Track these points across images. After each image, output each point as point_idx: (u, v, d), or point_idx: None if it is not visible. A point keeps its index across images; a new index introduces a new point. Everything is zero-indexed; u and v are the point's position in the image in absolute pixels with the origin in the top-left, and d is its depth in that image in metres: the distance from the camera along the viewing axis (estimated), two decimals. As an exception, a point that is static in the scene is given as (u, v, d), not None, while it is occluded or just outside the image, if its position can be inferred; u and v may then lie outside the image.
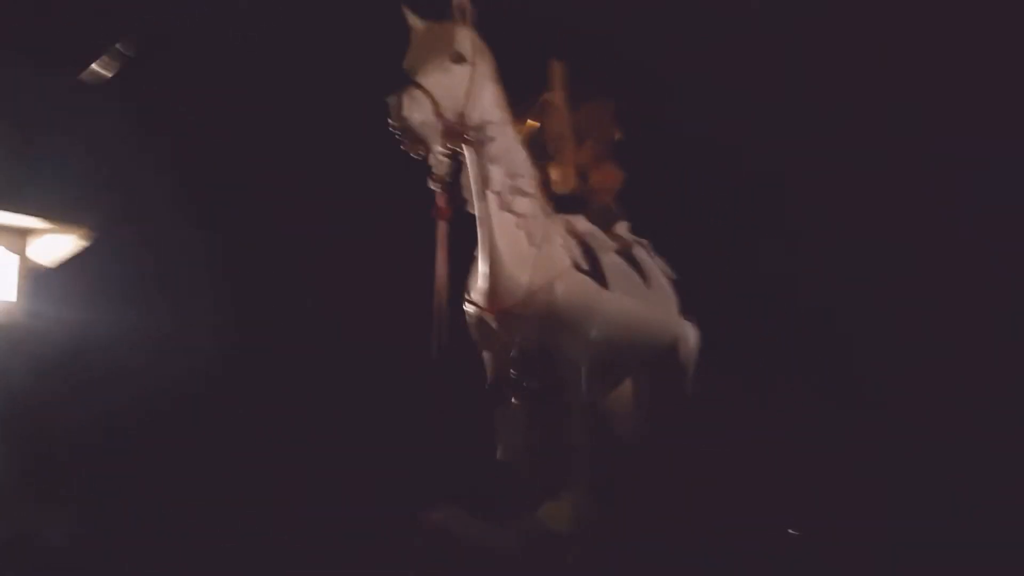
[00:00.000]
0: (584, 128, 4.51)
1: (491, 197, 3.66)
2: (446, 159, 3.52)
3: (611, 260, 4.06)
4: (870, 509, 4.43)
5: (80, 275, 4.18)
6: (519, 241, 3.72)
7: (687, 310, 4.64)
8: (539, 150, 4.43)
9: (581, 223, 4.07)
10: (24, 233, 3.78)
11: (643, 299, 4.20)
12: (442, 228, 3.43)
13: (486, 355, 3.86)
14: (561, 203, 4.33)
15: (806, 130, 4.92)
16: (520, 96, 4.50)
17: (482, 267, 3.74)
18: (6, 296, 3.69)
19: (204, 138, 5.02)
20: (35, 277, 3.86)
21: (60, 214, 3.82)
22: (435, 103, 3.37)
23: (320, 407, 4.96)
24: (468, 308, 3.84)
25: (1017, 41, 4.72)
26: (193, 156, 5.06)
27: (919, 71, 4.91)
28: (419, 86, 3.37)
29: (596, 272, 3.93)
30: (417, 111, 3.33)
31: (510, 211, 3.70)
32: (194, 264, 5.06)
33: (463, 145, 3.64)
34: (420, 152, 3.46)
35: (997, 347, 4.87)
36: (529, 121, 4.44)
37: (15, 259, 3.71)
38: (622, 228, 4.45)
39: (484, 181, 3.66)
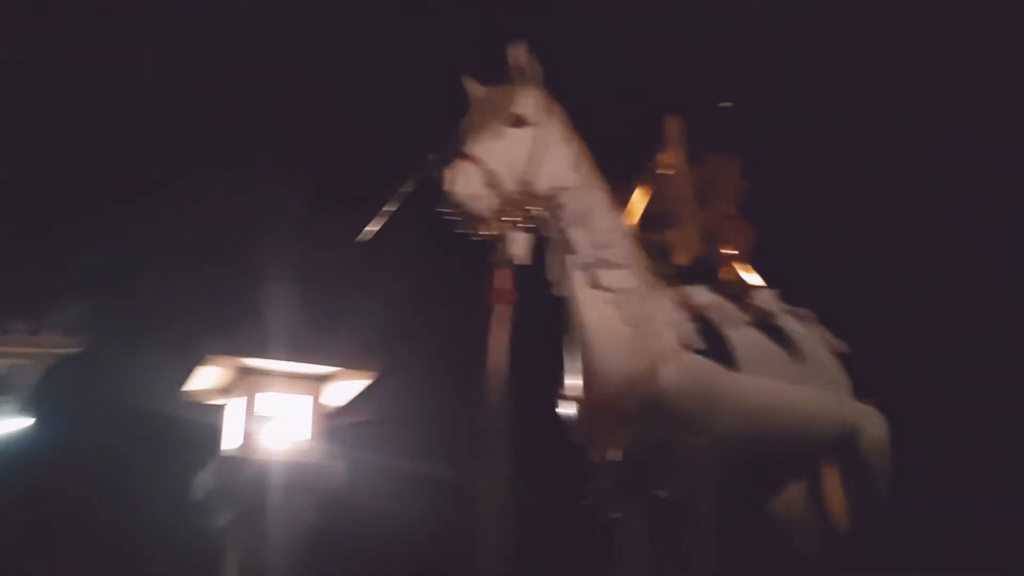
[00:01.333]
0: (707, 187, 3.88)
1: (575, 272, 3.12)
2: (520, 235, 3.03)
3: (743, 335, 3.34)
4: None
5: (367, 416, 4.44)
6: (611, 320, 3.11)
7: (867, 392, 3.80)
8: (658, 217, 3.87)
9: (701, 295, 3.39)
10: (319, 380, 4.21)
11: (796, 380, 3.41)
12: (501, 313, 2.91)
13: (593, 460, 3.24)
14: (689, 273, 3.70)
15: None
16: (633, 158, 4.01)
17: (570, 355, 3.17)
18: (302, 435, 4.08)
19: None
20: (327, 418, 4.23)
21: (350, 360, 4.14)
22: (487, 173, 2.92)
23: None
24: (563, 406, 3.26)
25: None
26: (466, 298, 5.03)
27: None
28: (467, 156, 2.94)
29: (719, 351, 3.23)
30: (464, 184, 2.88)
31: (598, 286, 3.12)
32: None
33: (543, 217, 3.16)
34: (482, 231, 3.00)
35: None
36: (642, 186, 3.91)
37: (309, 400, 4.13)
38: (765, 297, 3.71)
39: (564, 255, 3.13)
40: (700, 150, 3.88)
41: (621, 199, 3.65)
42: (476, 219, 2.94)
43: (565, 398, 3.24)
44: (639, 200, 3.81)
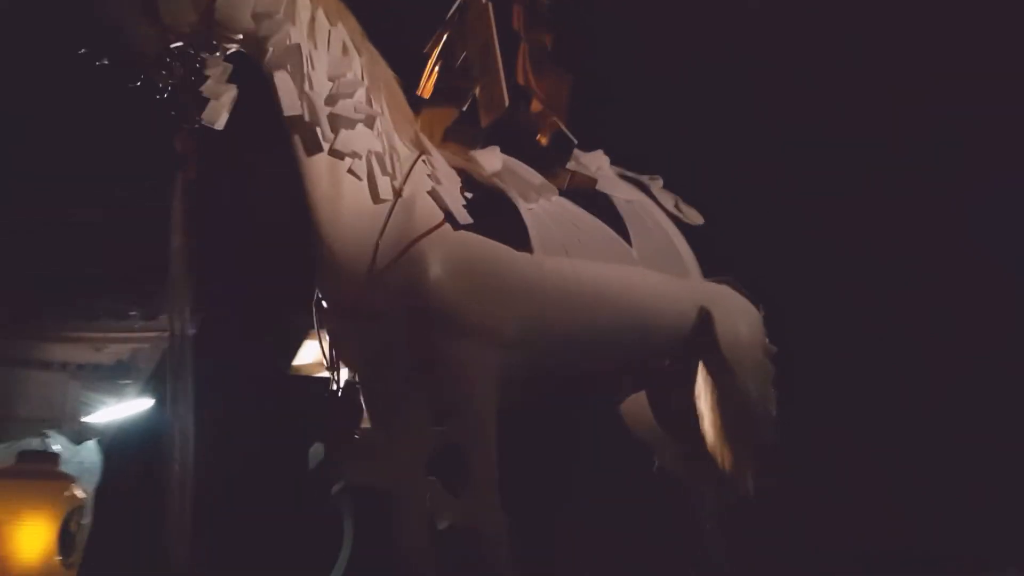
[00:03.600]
0: (516, 31, 3.08)
1: (298, 134, 2.35)
2: (213, 87, 2.24)
3: (545, 208, 2.58)
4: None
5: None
6: (352, 194, 2.36)
7: (725, 272, 3.07)
8: (461, 71, 3.09)
9: (491, 159, 2.63)
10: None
11: (619, 260, 2.67)
12: (180, 184, 2.16)
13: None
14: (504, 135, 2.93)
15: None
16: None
17: (314, 243, 2.43)
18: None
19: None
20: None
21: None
22: None
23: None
24: (318, 307, 2.54)
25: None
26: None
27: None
28: None
29: (507, 229, 2.48)
30: (116, 10, 2.10)
31: (334, 151, 2.36)
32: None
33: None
34: (154, 80, 2.21)
35: None
36: (446, 34, 3.11)
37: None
38: (591, 161, 2.96)
39: (283, 111, 2.36)
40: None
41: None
42: (138, 61, 2.16)
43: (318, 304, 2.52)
44: (438, 47, 3.05)
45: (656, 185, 3.07)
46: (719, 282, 2.94)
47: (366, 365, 2.41)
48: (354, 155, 2.35)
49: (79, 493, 3.67)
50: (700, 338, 2.86)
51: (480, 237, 2.40)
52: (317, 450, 4.04)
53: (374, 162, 2.37)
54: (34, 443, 3.96)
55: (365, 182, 2.36)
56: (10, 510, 3.34)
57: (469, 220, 2.37)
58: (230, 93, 2.25)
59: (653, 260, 2.75)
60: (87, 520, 3.87)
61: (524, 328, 2.41)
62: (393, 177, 2.38)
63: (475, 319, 2.34)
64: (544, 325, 2.45)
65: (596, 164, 2.94)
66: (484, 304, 2.36)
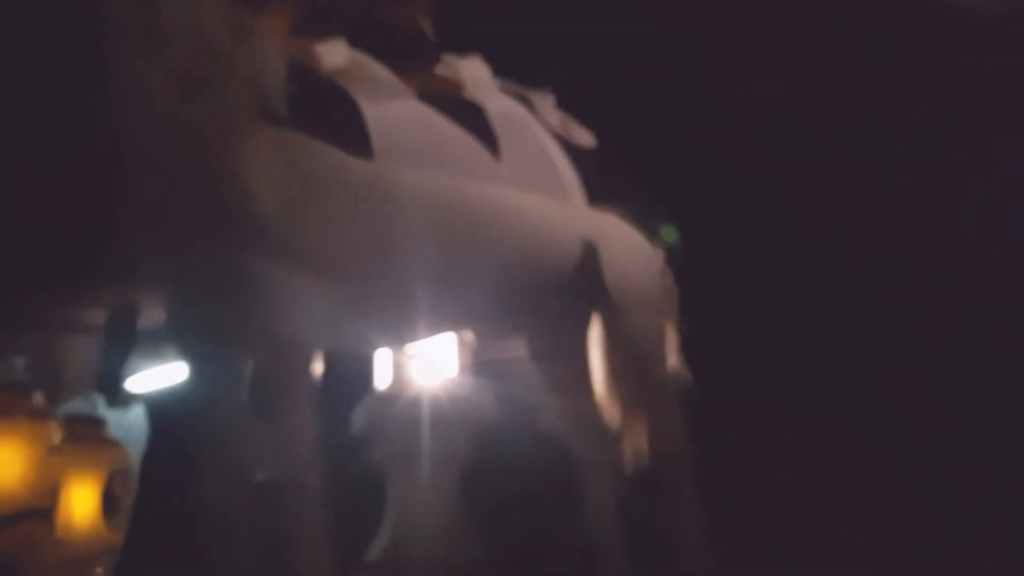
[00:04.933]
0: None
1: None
2: None
3: (397, 113, 2.21)
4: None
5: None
6: (152, 82, 1.97)
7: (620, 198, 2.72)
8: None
9: (333, 52, 2.24)
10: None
11: (480, 177, 2.32)
12: None
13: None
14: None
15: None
16: None
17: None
18: (449, 371, 3.83)
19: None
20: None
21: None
22: None
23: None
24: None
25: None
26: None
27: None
28: None
29: (345, 132, 2.11)
30: None
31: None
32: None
33: None
34: None
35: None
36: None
37: (454, 336, 3.76)
38: (470, 67, 2.58)
39: None
40: None
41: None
42: None
43: None
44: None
45: (544, 102, 2.71)
46: (607, 211, 2.59)
47: (172, 294, 2.04)
48: (153, 31, 1.95)
49: (124, 457, 3.65)
50: (584, 273, 2.52)
51: (308, 139, 2.02)
52: (359, 416, 3.82)
53: (181, 47, 1.97)
54: (81, 407, 3.87)
55: (167, 68, 1.97)
56: (59, 473, 3.37)
57: (286, 114, 1.98)
58: None
59: (526, 180, 2.39)
60: (132, 484, 3.76)
61: (358, 249, 2.05)
62: (202, 62, 1.99)
63: (294, 236, 1.96)
64: (383, 247, 2.09)
65: (471, 72, 2.56)
66: (307, 218, 1.98)
